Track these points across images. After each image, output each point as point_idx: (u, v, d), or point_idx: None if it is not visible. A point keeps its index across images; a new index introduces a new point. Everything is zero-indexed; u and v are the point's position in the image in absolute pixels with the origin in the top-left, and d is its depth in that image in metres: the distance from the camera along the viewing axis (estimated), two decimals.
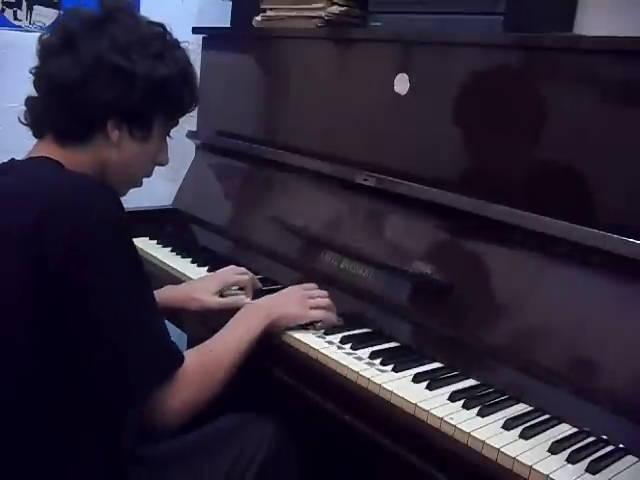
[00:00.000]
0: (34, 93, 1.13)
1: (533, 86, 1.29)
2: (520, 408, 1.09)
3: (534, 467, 0.92)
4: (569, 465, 0.94)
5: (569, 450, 0.97)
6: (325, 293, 1.34)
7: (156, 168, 1.26)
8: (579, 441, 1.00)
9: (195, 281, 1.51)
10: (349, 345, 1.24)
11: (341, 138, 1.64)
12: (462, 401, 1.07)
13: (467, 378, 1.18)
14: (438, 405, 1.06)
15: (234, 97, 1.99)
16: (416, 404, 1.06)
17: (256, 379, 1.24)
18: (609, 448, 1.00)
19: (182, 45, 1.19)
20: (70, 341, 0.99)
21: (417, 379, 1.14)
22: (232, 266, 1.49)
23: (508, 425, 1.02)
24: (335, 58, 1.70)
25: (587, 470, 0.93)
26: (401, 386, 1.11)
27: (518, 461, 0.94)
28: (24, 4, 2.07)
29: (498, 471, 0.95)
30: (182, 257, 1.70)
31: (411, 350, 1.27)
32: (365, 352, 1.22)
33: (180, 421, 1.08)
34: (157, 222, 1.91)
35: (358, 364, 1.17)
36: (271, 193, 1.77)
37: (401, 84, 1.49)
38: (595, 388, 1.07)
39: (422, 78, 1.46)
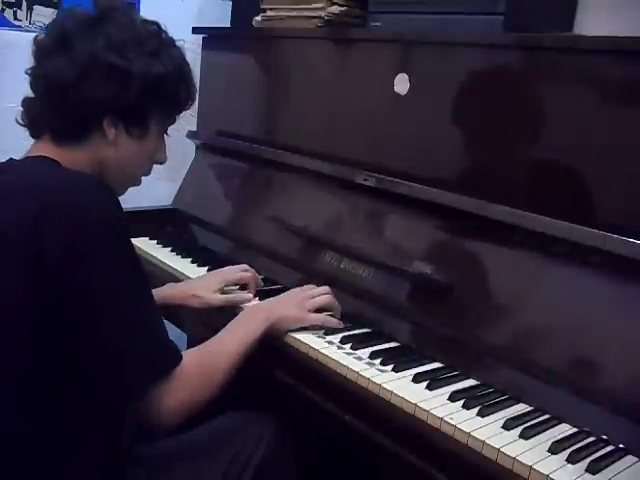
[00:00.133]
0: (32, 94, 1.14)
1: (533, 86, 1.29)
2: (520, 408, 1.09)
3: (534, 467, 0.92)
4: (569, 465, 0.94)
5: (569, 450, 0.97)
6: (327, 289, 1.34)
7: (156, 168, 1.27)
8: (579, 441, 1.00)
9: (196, 279, 1.51)
10: (349, 345, 1.24)
11: (341, 138, 1.64)
12: (462, 401, 1.07)
13: (467, 378, 1.18)
14: (438, 405, 1.06)
15: (234, 97, 1.99)
16: (416, 404, 1.06)
17: (256, 379, 1.24)
18: (609, 448, 1.00)
19: (178, 43, 1.19)
20: (68, 339, 0.99)
21: (417, 379, 1.13)
22: (236, 266, 1.49)
23: (508, 425, 1.02)
24: (335, 58, 1.70)
25: (587, 470, 0.93)
26: (401, 386, 1.11)
27: (518, 461, 0.93)
28: (24, 4, 2.07)
29: (498, 471, 0.95)
30: (182, 257, 1.70)
31: (411, 350, 1.27)
32: (365, 352, 1.22)
33: (177, 420, 1.07)
34: (157, 222, 1.92)
35: (358, 364, 1.17)
36: (271, 193, 1.77)
37: (401, 84, 1.49)
38: (595, 388, 1.07)
39: (422, 78, 1.46)
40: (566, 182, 1.24)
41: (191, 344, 1.80)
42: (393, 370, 1.16)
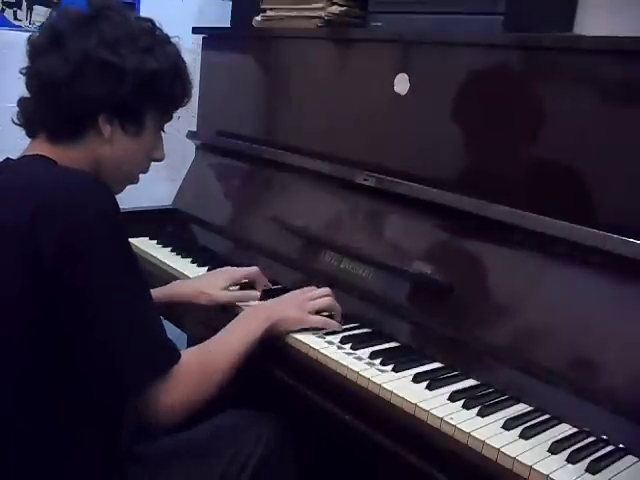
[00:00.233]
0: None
1: (533, 86, 1.29)
2: (520, 408, 1.09)
3: (534, 467, 0.92)
4: (569, 465, 0.94)
5: (569, 450, 0.97)
6: (328, 291, 1.33)
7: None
8: (579, 441, 1.00)
9: (203, 276, 1.51)
10: (349, 345, 1.24)
11: (341, 138, 1.64)
12: (462, 401, 1.07)
13: (467, 378, 1.18)
14: (438, 405, 1.06)
15: (234, 97, 1.99)
16: (416, 404, 1.06)
17: (255, 378, 1.24)
18: (609, 448, 1.00)
19: (173, 40, 1.19)
20: (66, 338, 0.99)
21: (417, 379, 1.13)
22: (247, 267, 1.49)
23: (508, 425, 1.02)
24: (335, 58, 1.70)
25: (587, 470, 0.93)
26: (401, 386, 1.11)
27: (518, 461, 0.93)
28: (24, 4, 2.07)
29: (498, 471, 0.95)
30: (182, 257, 1.70)
31: (411, 350, 1.27)
32: (365, 352, 1.22)
33: (175, 419, 1.07)
34: (157, 222, 1.91)
35: (358, 364, 1.17)
36: (271, 193, 1.77)
37: (401, 84, 1.49)
38: (595, 388, 1.07)
39: (422, 78, 1.46)
40: (566, 182, 1.24)
41: (191, 344, 1.79)
42: (393, 370, 1.16)
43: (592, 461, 0.95)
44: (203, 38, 2.09)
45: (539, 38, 1.29)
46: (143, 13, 1.23)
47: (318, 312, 1.30)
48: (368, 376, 1.13)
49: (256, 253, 1.67)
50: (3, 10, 2.05)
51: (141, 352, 1.02)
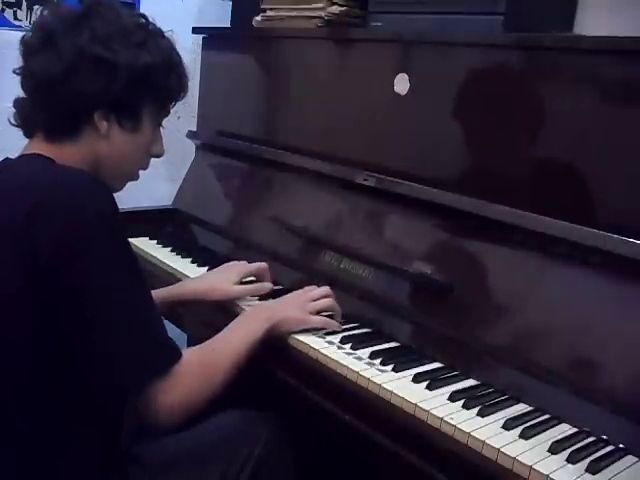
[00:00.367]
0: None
1: (533, 86, 1.29)
2: (520, 408, 1.09)
3: (534, 467, 0.92)
4: (569, 465, 0.94)
5: (569, 450, 0.97)
6: (328, 290, 1.33)
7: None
8: (579, 441, 1.00)
9: (213, 272, 1.49)
10: (349, 345, 1.24)
11: (341, 138, 1.64)
12: (462, 401, 1.07)
13: (467, 378, 1.18)
14: (438, 405, 1.06)
15: (234, 97, 1.99)
16: (416, 404, 1.06)
17: (255, 378, 1.24)
18: (609, 448, 1.00)
19: (167, 34, 1.19)
20: (65, 337, 0.99)
21: (417, 379, 1.13)
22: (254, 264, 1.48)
23: (508, 425, 1.02)
24: (335, 58, 1.70)
25: (587, 470, 0.93)
26: (401, 386, 1.11)
27: (518, 461, 0.93)
28: (24, 4, 2.08)
29: (498, 471, 0.95)
30: (182, 257, 1.70)
31: (411, 350, 1.27)
32: (365, 352, 1.22)
33: (175, 419, 1.06)
34: (157, 222, 1.91)
35: (358, 364, 1.17)
36: (271, 193, 1.77)
37: (401, 84, 1.49)
38: (595, 388, 1.07)
39: (422, 78, 1.46)
40: (566, 182, 1.24)
41: (191, 344, 1.80)
42: (393, 370, 1.16)
43: (592, 461, 0.95)
44: (203, 38, 2.09)
45: (539, 38, 1.29)
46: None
47: (318, 312, 1.30)
48: (368, 376, 1.13)
49: (256, 253, 1.66)
50: (3, 10, 2.05)
51: (140, 351, 1.02)
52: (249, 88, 1.94)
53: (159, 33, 1.17)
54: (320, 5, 1.71)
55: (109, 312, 1.00)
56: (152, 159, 1.24)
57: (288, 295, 1.35)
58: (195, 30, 2.09)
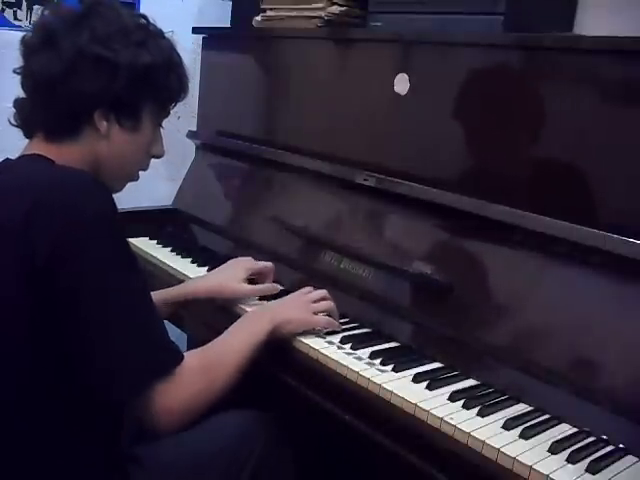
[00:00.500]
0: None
1: (533, 86, 1.29)
2: (520, 408, 1.09)
3: (534, 467, 0.92)
4: (569, 465, 0.94)
5: (569, 450, 0.97)
6: (327, 293, 1.33)
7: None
8: (579, 441, 1.00)
9: (221, 270, 1.47)
10: (349, 345, 1.24)
11: (341, 138, 1.64)
12: (462, 401, 1.07)
13: (467, 378, 1.18)
14: (438, 405, 1.06)
15: (234, 97, 1.99)
16: (416, 404, 1.06)
17: (255, 378, 1.24)
18: (609, 448, 1.00)
19: (167, 34, 1.19)
20: (65, 338, 0.98)
21: (417, 379, 1.13)
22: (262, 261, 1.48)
23: (508, 425, 1.02)
24: (335, 58, 1.70)
25: (587, 470, 0.93)
26: (401, 386, 1.11)
27: (518, 461, 0.93)
28: (24, 4, 2.08)
29: (498, 471, 0.95)
30: (182, 257, 1.70)
31: (411, 350, 1.27)
32: (365, 352, 1.22)
33: (176, 422, 1.05)
34: (157, 222, 1.91)
35: (358, 364, 1.17)
36: (271, 193, 1.77)
37: (401, 84, 1.49)
38: (595, 388, 1.07)
39: (422, 78, 1.46)
40: (566, 182, 1.24)
41: (191, 344, 1.80)
42: (393, 370, 1.16)
43: (592, 461, 0.95)
44: (203, 38, 2.09)
45: (539, 38, 1.29)
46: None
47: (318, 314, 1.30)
48: (368, 376, 1.13)
49: (256, 253, 1.66)
50: (3, 10, 2.05)
51: (140, 352, 1.01)
52: (249, 88, 1.94)
53: (159, 33, 1.17)
54: (320, 5, 1.71)
55: (108, 313, 0.99)
56: (152, 159, 1.24)
57: (287, 297, 1.35)
58: (195, 30, 2.09)
